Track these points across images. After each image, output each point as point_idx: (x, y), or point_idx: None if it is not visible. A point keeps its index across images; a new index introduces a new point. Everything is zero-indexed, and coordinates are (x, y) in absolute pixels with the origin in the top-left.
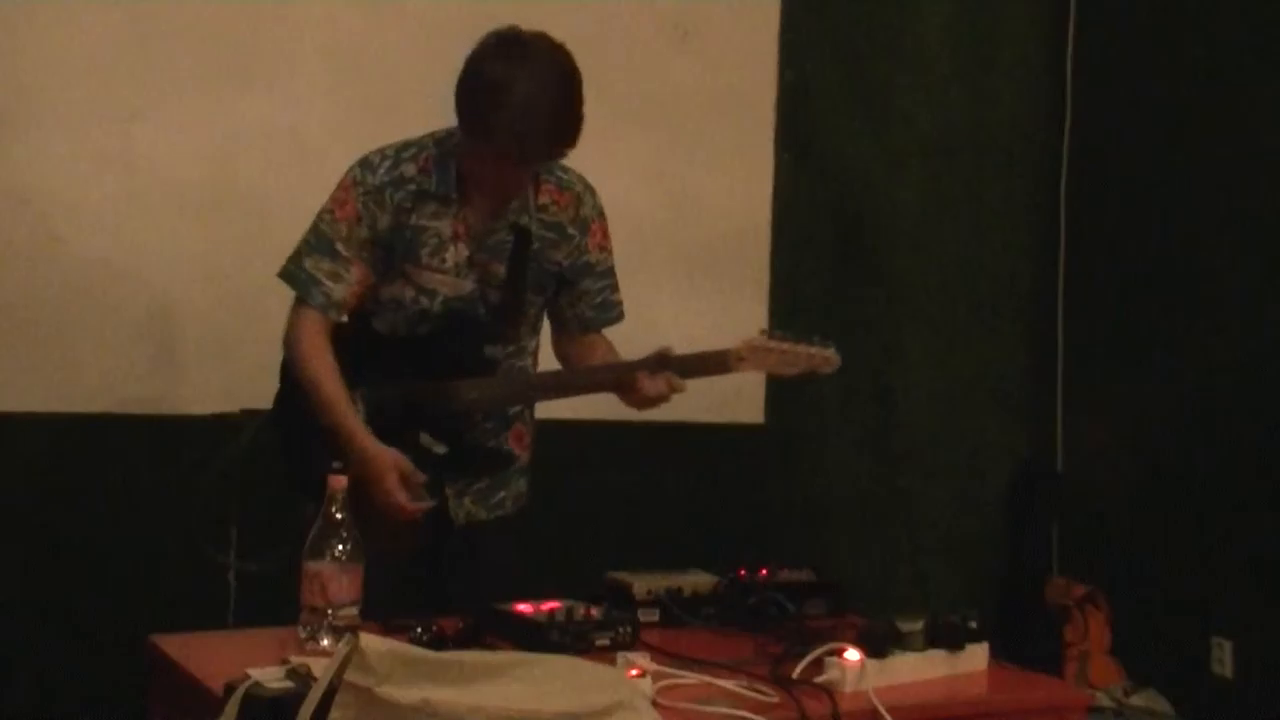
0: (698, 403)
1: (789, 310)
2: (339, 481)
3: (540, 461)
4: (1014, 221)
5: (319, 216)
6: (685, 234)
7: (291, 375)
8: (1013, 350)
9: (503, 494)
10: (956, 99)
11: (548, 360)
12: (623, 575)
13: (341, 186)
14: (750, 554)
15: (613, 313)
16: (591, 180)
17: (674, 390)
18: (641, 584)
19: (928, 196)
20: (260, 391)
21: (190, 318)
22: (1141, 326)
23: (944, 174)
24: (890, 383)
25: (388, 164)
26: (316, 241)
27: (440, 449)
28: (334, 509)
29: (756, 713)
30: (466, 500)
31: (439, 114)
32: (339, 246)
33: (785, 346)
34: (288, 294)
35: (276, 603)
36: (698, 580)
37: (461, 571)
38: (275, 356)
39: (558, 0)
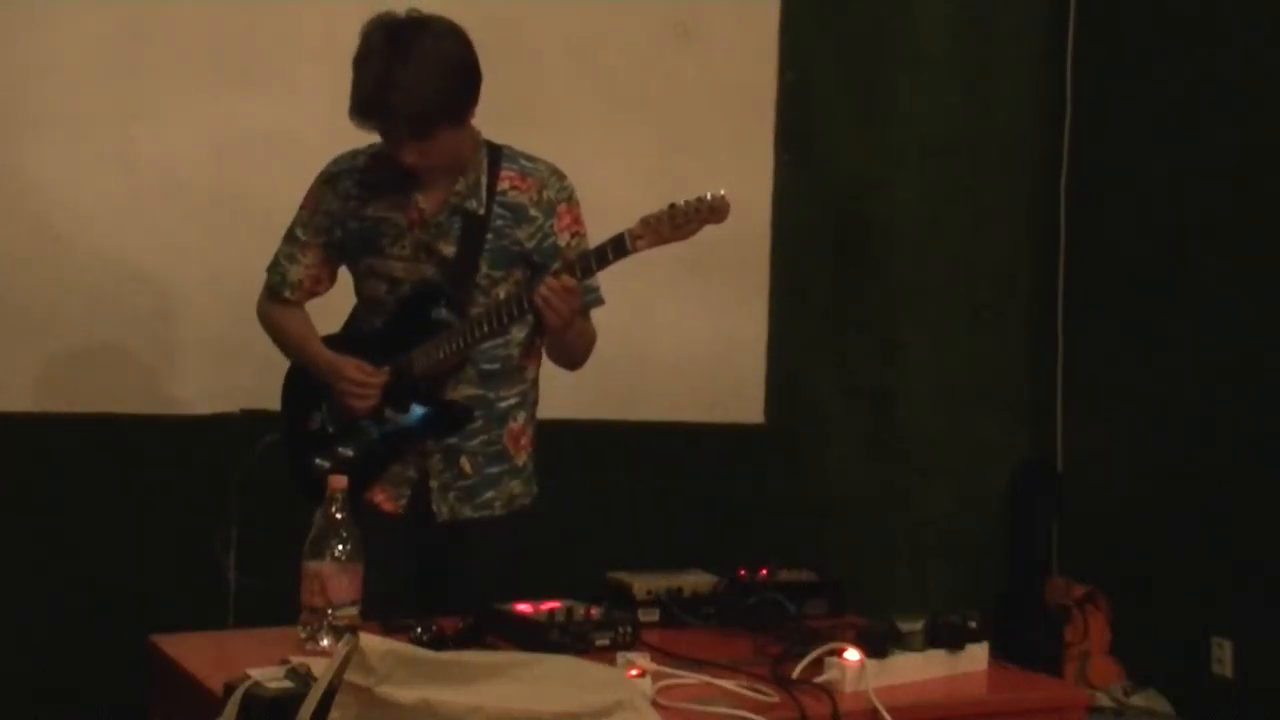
0: (698, 402)
1: (789, 310)
2: (339, 481)
3: (540, 461)
4: (1014, 221)
5: None
6: None
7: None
8: (1013, 350)
9: (491, 494)
10: (956, 99)
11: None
12: (623, 575)
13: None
14: (750, 554)
15: (589, 296)
16: (592, 178)
17: (566, 289)
18: (641, 584)
19: (928, 196)
20: (260, 391)
21: (190, 318)
22: (1141, 326)
23: (944, 174)
24: (890, 383)
25: (349, 156)
26: (288, 230)
27: (399, 418)
28: (334, 509)
29: (756, 713)
30: (450, 496)
31: None
32: (298, 231)
33: (674, 209)
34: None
35: (276, 603)
36: (698, 580)
37: (450, 569)
38: (276, 356)
39: (558, 0)
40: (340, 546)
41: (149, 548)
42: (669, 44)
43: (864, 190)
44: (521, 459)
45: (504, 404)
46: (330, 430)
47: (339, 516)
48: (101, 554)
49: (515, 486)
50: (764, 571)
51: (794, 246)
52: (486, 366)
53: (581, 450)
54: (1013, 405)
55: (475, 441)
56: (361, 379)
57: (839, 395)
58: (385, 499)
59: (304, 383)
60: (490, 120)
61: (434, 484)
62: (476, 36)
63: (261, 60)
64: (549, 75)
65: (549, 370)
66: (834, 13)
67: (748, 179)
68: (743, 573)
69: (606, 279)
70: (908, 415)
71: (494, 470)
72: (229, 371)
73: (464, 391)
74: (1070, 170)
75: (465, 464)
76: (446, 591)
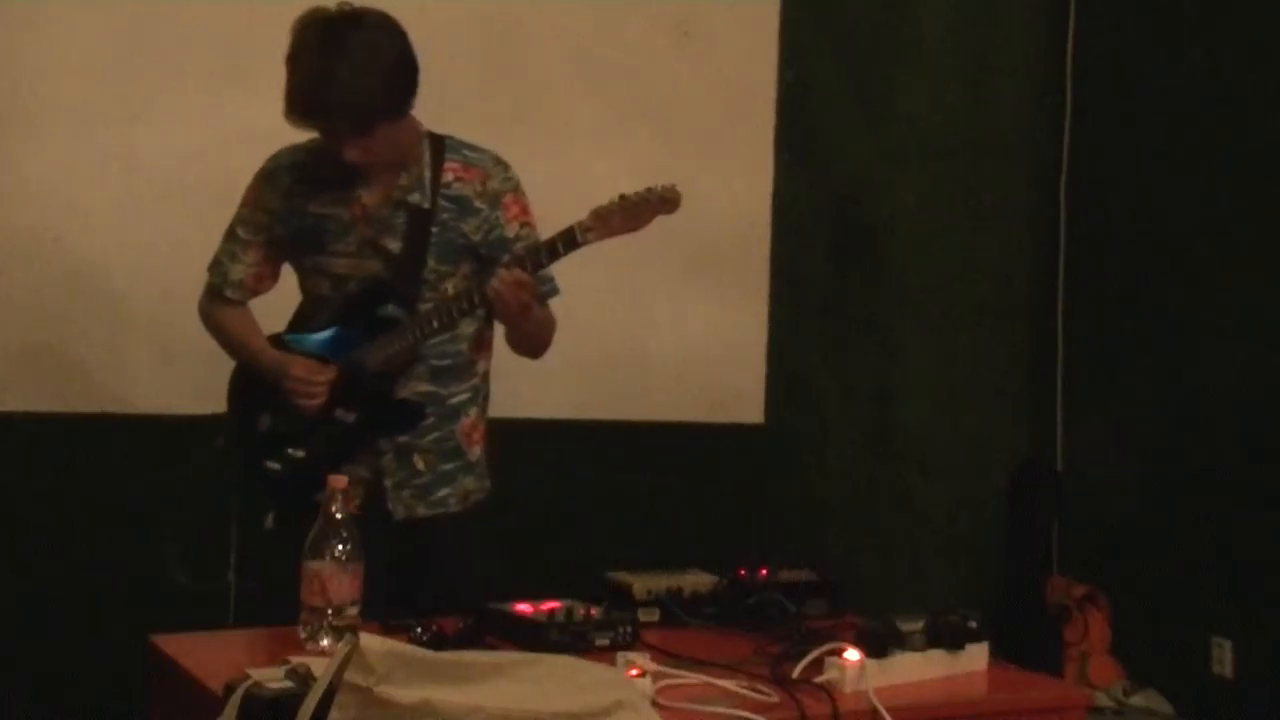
0: (698, 402)
1: (789, 310)
2: (339, 481)
3: (541, 462)
4: (1014, 221)
5: None
6: (685, 234)
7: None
8: (1013, 350)
9: (445, 491)
10: (956, 99)
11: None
12: (623, 575)
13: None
14: (750, 554)
15: (545, 287)
16: (592, 178)
17: (517, 283)
18: (641, 584)
19: (927, 196)
20: None
21: (190, 318)
22: (1141, 326)
23: (944, 174)
24: (890, 383)
25: (289, 151)
26: (228, 228)
27: (349, 418)
28: (333, 509)
29: (756, 713)
30: (405, 494)
31: (436, 114)
32: (239, 230)
33: (625, 200)
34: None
35: (276, 603)
36: (698, 580)
37: (414, 567)
38: None
39: (558, 0)
40: (340, 546)
41: (149, 548)
42: (669, 44)
43: (864, 190)
44: (475, 454)
45: (455, 400)
46: (280, 431)
47: (339, 516)
48: (101, 554)
49: (469, 482)
50: (764, 571)
51: (794, 246)
52: (437, 363)
53: (581, 450)
54: (1013, 405)
55: (428, 439)
56: (307, 376)
57: (839, 395)
58: None
59: (251, 384)
60: (490, 121)
61: (388, 483)
62: (477, 37)
63: (261, 60)
64: (549, 76)
65: (551, 371)
66: (834, 13)
67: (748, 179)
68: (743, 573)
69: (607, 278)
70: (908, 415)
71: (448, 467)
72: (228, 371)
73: (415, 388)
74: (1070, 170)
75: (419, 461)
76: (420, 589)
